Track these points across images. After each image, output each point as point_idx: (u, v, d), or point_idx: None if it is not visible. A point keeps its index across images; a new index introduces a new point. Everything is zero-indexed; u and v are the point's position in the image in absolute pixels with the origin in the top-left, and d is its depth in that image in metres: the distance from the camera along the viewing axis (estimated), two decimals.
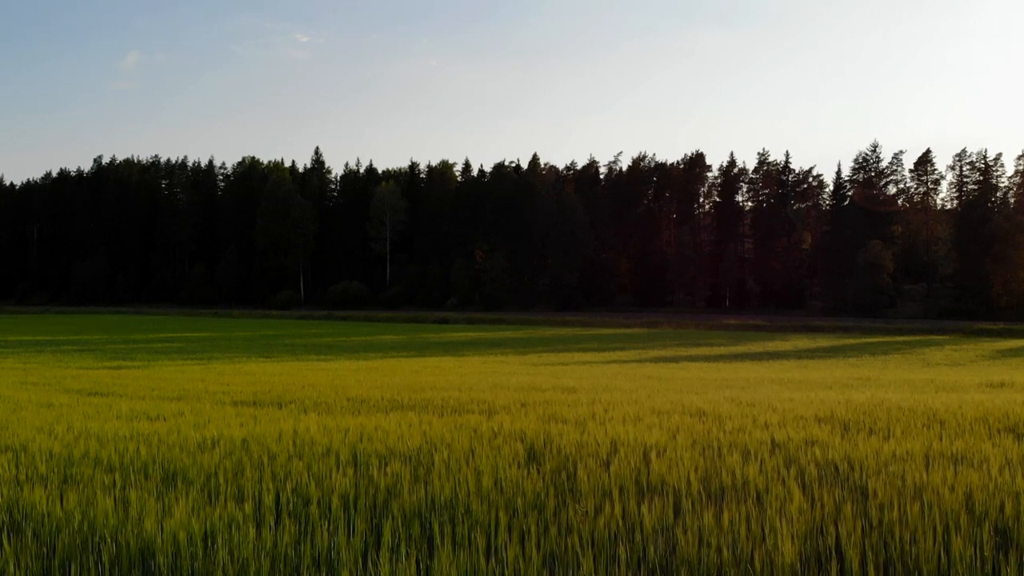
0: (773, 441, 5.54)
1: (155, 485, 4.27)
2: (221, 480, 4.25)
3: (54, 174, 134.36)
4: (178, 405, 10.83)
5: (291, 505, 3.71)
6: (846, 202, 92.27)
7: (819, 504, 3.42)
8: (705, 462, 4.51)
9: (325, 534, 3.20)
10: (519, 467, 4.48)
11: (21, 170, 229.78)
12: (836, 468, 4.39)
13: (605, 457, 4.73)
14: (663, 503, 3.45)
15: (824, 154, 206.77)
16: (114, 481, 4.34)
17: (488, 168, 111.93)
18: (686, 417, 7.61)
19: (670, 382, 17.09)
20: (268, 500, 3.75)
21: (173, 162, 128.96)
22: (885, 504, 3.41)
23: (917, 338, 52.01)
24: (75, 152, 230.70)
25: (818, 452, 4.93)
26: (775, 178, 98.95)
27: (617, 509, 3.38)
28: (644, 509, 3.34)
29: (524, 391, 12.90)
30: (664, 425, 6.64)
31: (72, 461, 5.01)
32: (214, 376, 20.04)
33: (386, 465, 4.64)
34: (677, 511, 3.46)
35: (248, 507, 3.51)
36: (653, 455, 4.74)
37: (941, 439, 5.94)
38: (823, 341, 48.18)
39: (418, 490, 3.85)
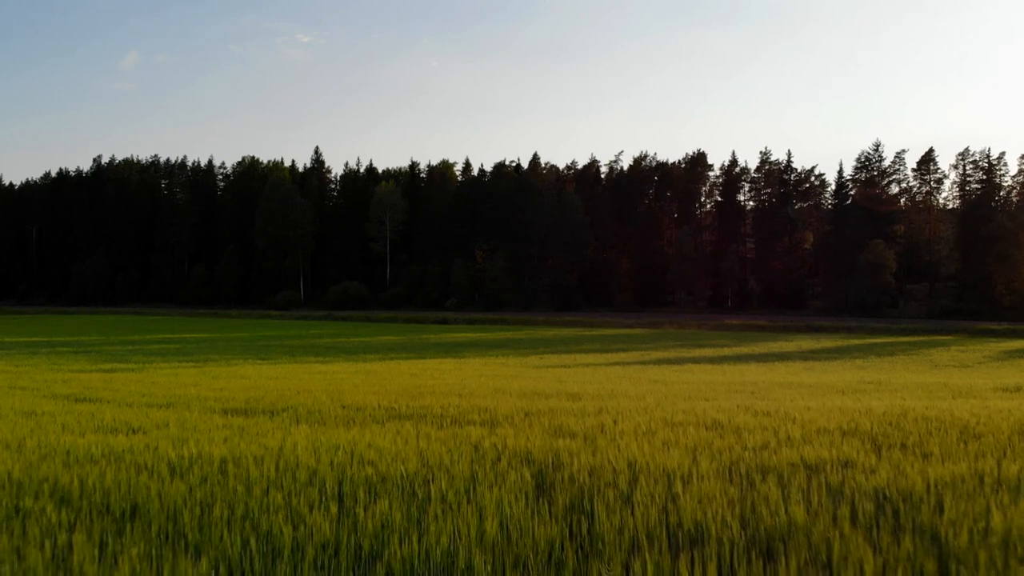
0: (805, 462, 5.04)
1: (109, 524, 3.75)
2: (185, 519, 3.72)
3: (53, 174, 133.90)
4: (165, 414, 10.34)
5: (256, 563, 3.16)
6: (848, 201, 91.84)
7: (893, 563, 2.89)
8: (738, 493, 4.01)
9: None
10: (527, 503, 3.96)
11: (20, 170, 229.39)
12: (889, 501, 3.88)
13: (624, 488, 4.22)
14: (703, 560, 2.93)
15: (826, 153, 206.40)
16: (63, 519, 3.83)
17: (488, 168, 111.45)
18: (702, 430, 7.11)
19: (677, 386, 16.59)
20: (233, 552, 3.23)
21: (173, 162, 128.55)
22: (968, 561, 2.87)
23: (922, 338, 51.53)
24: (75, 152, 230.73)
25: (860, 479, 4.42)
26: (777, 177, 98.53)
27: (650, 569, 2.86)
28: (682, 568, 2.83)
29: (527, 397, 12.40)
30: (681, 441, 6.14)
31: (28, 489, 4.50)
32: (208, 380, 19.52)
33: (376, 499, 4.11)
34: (721, 572, 2.93)
35: (204, 564, 3.00)
36: (678, 484, 4.23)
37: (985, 457, 5.43)
38: (827, 342, 47.69)
39: (410, 538, 3.33)
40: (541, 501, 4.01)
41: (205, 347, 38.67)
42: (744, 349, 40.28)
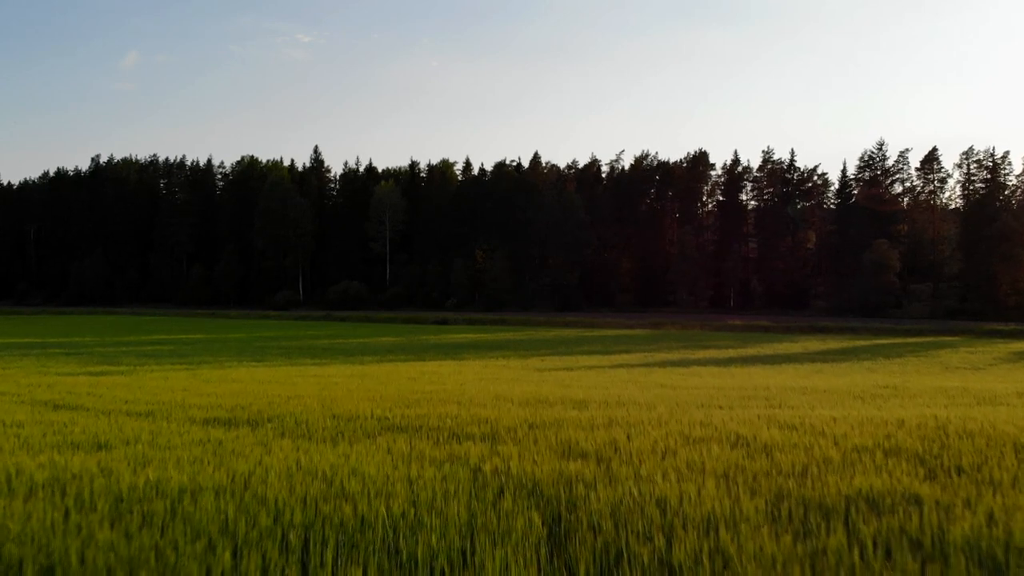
0: (863, 496, 4.30)
1: None
2: None
3: (52, 173, 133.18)
4: (140, 425, 9.62)
5: None
6: (851, 200, 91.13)
7: None
8: (803, 548, 3.27)
9: None
10: (539, 567, 3.21)
11: (19, 169, 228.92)
12: (1001, 569, 3.13)
13: (660, 544, 3.45)
14: None
15: (827, 153, 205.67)
16: None
17: (489, 167, 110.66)
18: (727, 448, 6.37)
19: (686, 391, 15.85)
20: None
21: (172, 161, 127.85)
22: None
23: (928, 339, 50.81)
24: (74, 152, 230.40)
25: (940, 521, 3.68)
26: (779, 177, 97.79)
27: None
28: None
29: (530, 406, 11.67)
30: (708, 466, 5.40)
31: None
32: (198, 384, 18.77)
33: (349, 559, 3.35)
34: None
35: None
36: (724, 534, 3.49)
37: None
38: (832, 343, 46.94)
39: None
40: (557, 562, 3.26)
41: (200, 348, 37.92)
42: (749, 350, 39.53)
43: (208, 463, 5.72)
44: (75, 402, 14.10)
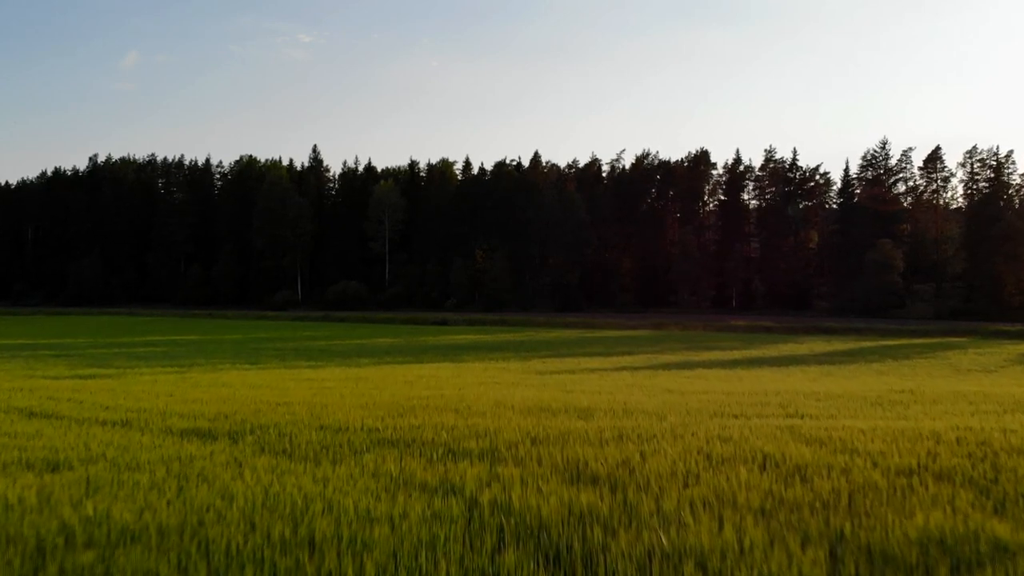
0: (932, 540, 3.59)
1: None
2: None
3: (50, 173, 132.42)
4: (111, 437, 8.91)
5: None
6: (854, 200, 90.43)
7: None
8: None
9: None
10: None
11: (18, 169, 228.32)
12: None
13: None
14: None
15: (828, 153, 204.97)
16: None
17: (489, 167, 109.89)
18: (755, 471, 5.65)
19: (695, 397, 15.12)
20: None
21: (170, 161, 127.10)
22: None
23: (935, 340, 50.08)
24: (74, 152, 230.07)
25: None
26: (781, 176, 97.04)
27: None
28: None
29: (532, 414, 10.96)
30: (740, 497, 4.68)
31: None
32: (186, 388, 18.05)
33: None
34: None
35: None
36: None
37: None
38: (838, 344, 46.20)
39: None
40: None
41: (193, 350, 37.19)
42: (754, 352, 38.81)
43: (166, 491, 5.01)
44: (52, 409, 13.38)
